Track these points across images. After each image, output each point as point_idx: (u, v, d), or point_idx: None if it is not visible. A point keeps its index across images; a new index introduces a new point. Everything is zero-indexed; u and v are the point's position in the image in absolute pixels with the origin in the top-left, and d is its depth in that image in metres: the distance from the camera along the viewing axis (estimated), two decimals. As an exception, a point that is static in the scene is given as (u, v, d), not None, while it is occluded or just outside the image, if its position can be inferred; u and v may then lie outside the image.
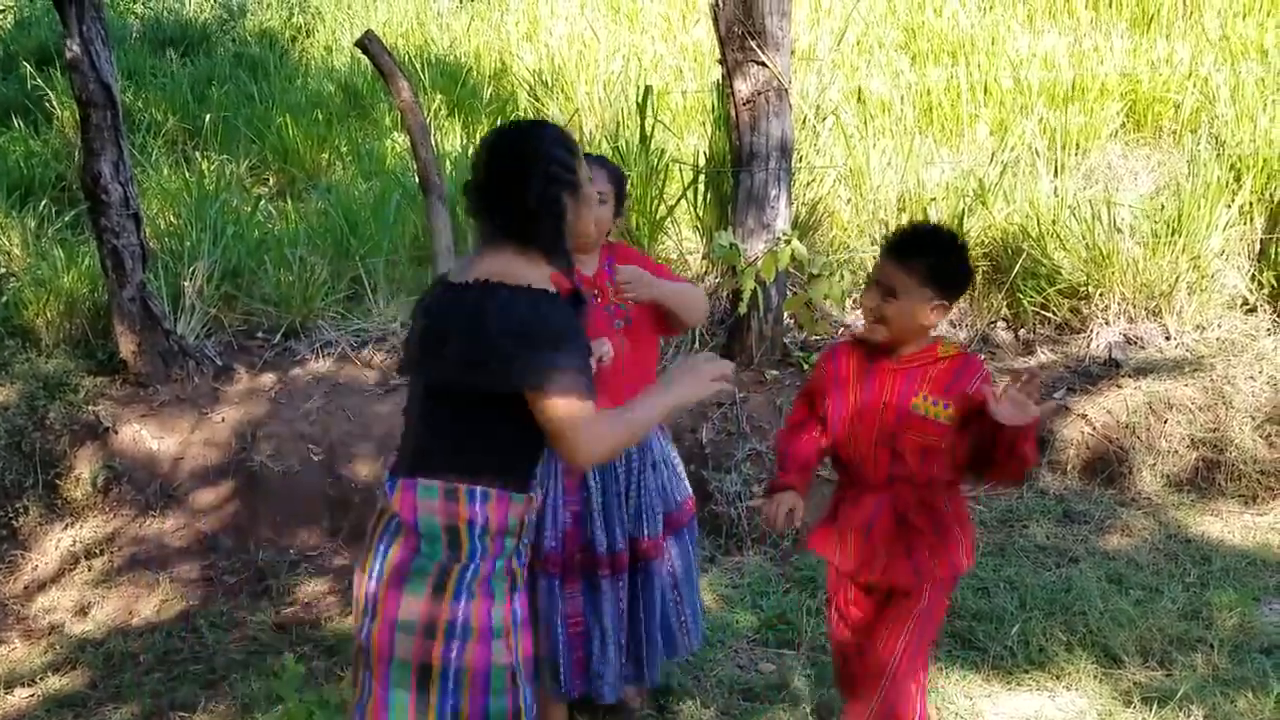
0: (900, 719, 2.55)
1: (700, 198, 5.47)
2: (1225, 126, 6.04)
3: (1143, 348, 5.18)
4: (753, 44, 4.75)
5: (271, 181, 6.99)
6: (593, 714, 3.14)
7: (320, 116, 7.43)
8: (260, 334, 5.13)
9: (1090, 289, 5.33)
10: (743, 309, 4.89)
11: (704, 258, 5.35)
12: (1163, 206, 5.57)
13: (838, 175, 6.00)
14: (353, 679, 2.20)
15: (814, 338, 5.29)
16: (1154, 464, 4.75)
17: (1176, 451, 4.76)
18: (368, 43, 4.69)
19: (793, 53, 5.08)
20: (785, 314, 5.18)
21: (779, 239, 4.90)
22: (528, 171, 2.07)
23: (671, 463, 2.99)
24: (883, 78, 6.83)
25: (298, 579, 4.21)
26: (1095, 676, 3.35)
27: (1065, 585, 3.89)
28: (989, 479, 2.56)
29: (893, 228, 5.72)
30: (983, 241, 5.60)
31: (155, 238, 5.42)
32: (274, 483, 4.43)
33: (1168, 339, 5.22)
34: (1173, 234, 5.30)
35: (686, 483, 3.05)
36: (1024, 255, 5.39)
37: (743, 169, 4.92)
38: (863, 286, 2.54)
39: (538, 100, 7.51)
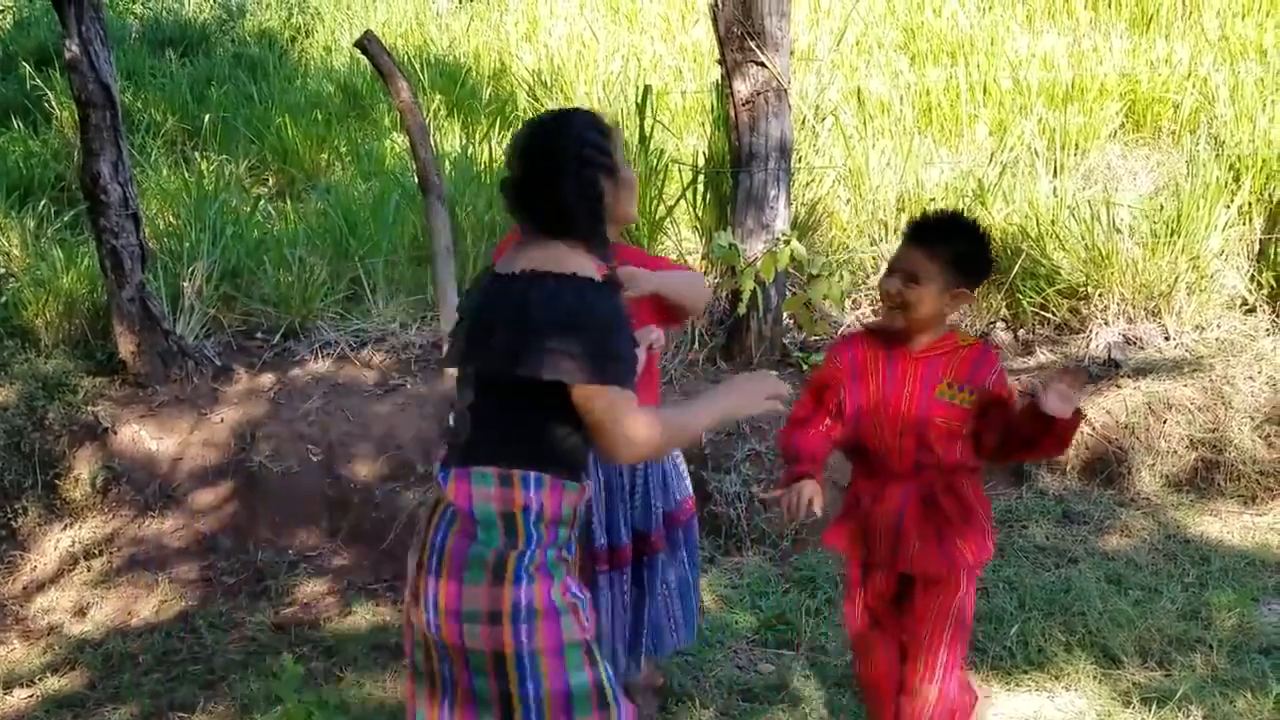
0: (962, 710, 2.58)
1: (699, 198, 5.47)
2: (1224, 127, 6.05)
3: (1142, 348, 5.19)
4: (752, 44, 4.75)
5: (271, 182, 6.99)
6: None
7: (319, 117, 7.43)
8: (259, 334, 5.12)
9: (1089, 289, 5.33)
10: (742, 309, 4.89)
11: (703, 258, 5.35)
12: (1162, 207, 5.57)
13: (837, 176, 6.00)
14: (423, 674, 2.15)
15: (813, 338, 5.29)
16: (1153, 464, 4.75)
17: (1176, 452, 4.76)
18: (367, 43, 4.69)
19: (792, 53, 5.08)
20: (784, 314, 5.18)
21: (778, 239, 4.90)
22: (562, 161, 2.06)
23: (674, 458, 3.00)
24: (882, 78, 6.83)
25: (297, 579, 4.20)
26: (1094, 677, 3.35)
27: (1064, 586, 3.89)
28: (1021, 459, 2.59)
29: (892, 228, 5.74)
30: (982, 242, 5.59)
31: (154, 238, 5.42)
32: (273, 483, 4.43)
33: (1167, 339, 5.22)
34: (1172, 234, 5.30)
35: (688, 481, 3.05)
36: (1023, 255, 5.39)
37: (742, 169, 4.92)
38: (881, 273, 2.53)
39: (537, 100, 7.51)
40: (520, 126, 2.18)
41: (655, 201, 5.40)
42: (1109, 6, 7.72)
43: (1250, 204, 5.54)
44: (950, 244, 2.43)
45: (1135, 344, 5.22)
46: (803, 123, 6.00)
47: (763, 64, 4.76)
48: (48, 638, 3.94)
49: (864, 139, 6.18)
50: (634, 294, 2.77)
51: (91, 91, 4.39)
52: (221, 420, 4.57)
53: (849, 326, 5.41)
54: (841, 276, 5.05)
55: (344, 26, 9.64)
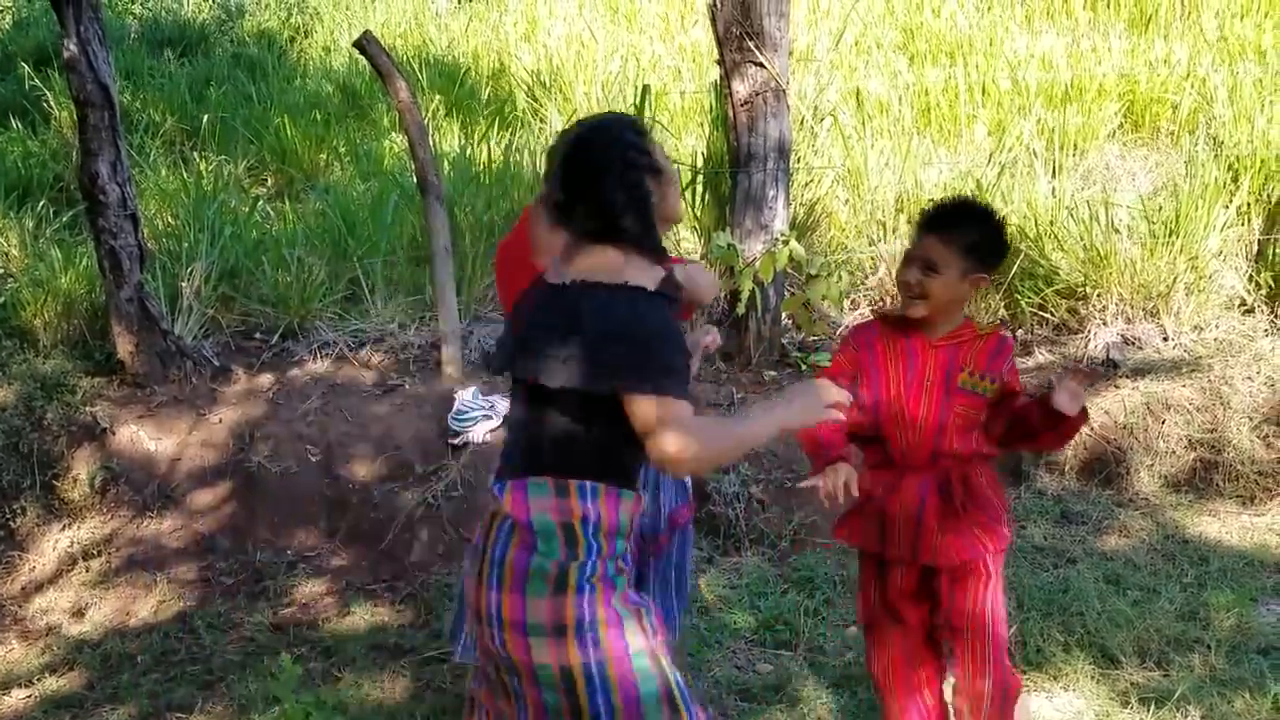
0: (1014, 691, 2.59)
1: (698, 198, 5.47)
2: (1223, 127, 6.05)
3: (1140, 348, 5.19)
4: (750, 45, 4.75)
5: (269, 182, 6.99)
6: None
7: (318, 117, 7.43)
8: (258, 335, 5.12)
9: (1088, 289, 5.33)
10: (740, 310, 4.89)
11: (702, 258, 5.35)
12: (1160, 207, 5.57)
13: (835, 176, 6.00)
14: (486, 693, 2.14)
15: (812, 338, 5.29)
16: (1151, 464, 4.75)
17: (1174, 452, 4.76)
18: (365, 43, 4.70)
19: (791, 53, 5.09)
20: (783, 314, 5.18)
21: (777, 240, 4.90)
22: (605, 166, 2.05)
23: None
24: (881, 78, 6.83)
25: (295, 580, 4.20)
26: (1093, 677, 3.35)
27: (1063, 586, 3.89)
28: (1026, 449, 2.61)
29: (891, 228, 5.74)
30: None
31: (153, 238, 5.41)
32: (271, 483, 4.43)
33: (1165, 339, 5.22)
34: (1170, 234, 5.30)
35: (689, 484, 3.05)
36: (1021, 256, 5.39)
37: (740, 170, 4.92)
38: (899, 264, 2.53)
39: (535, 101, 7.51)
40: (555, 140, 2.17)
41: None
42: (1108, 7, 7.73)
43: (1249, 204, 5.54)
44: (966, 230, 2.44)
45: (1134, 344, 5.22)
46: (801, 123, 6.00)
47: (761, 64, 4.76)
48: (46, 638, 3.93)
49: (862, 139, 6.18)
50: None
51: (90, 91, 4.39)
52: (220, 420, 4.57)
53: (848, 327, 5.41)
54: (840, 277, 5.05)
55: (343, 27, 9.64)
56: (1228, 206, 5.43)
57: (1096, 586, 3.87)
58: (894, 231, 5.74)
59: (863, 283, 5.69)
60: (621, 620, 2.02)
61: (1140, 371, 5.01)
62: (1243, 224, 5.54)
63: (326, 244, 5.55)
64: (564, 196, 2.09)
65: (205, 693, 3.50)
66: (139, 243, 4.58)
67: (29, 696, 3.57)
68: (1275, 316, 5.33)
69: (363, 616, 3.97)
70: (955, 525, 2.51)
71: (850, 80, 6.83)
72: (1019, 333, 5.46)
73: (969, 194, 5.48)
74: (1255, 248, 5.52)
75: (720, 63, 4.92)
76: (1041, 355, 5.26)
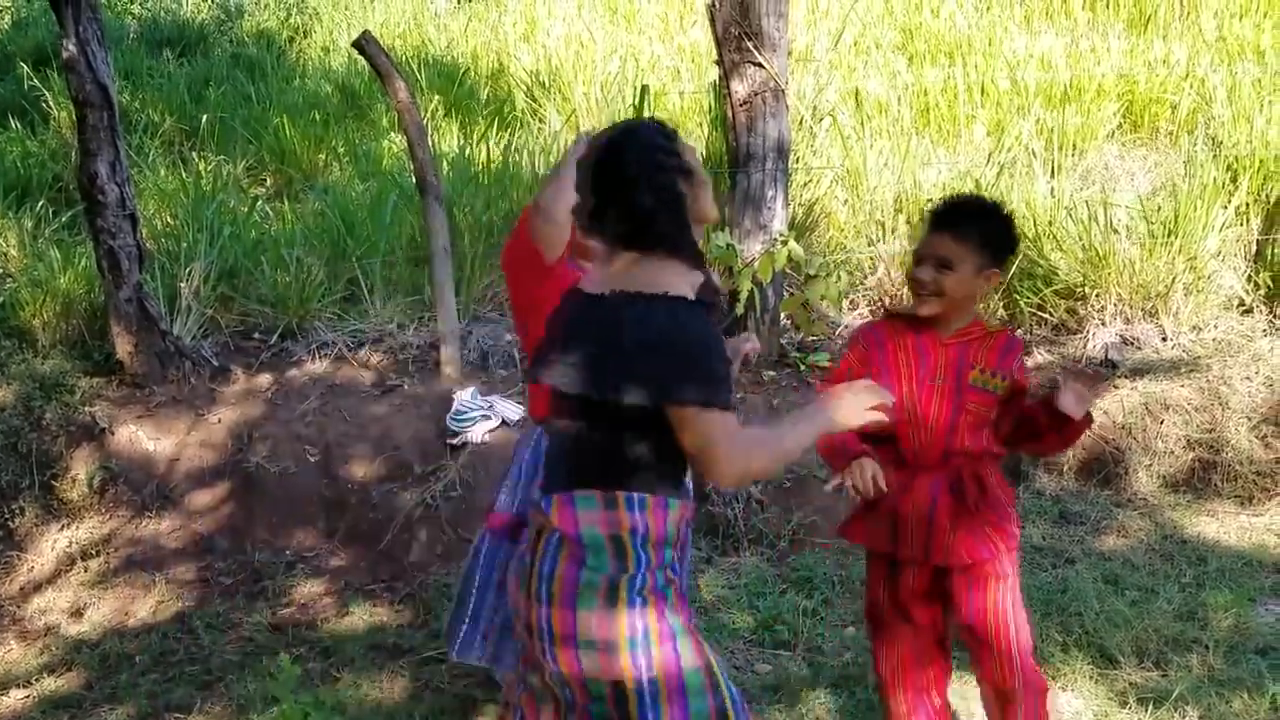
0: (1043, 691, 2.59)
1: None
2: (1222, 127, 6.06)
3: (1139, 348, 5.19)
4: (749, 45, 4.75)
5: (268, 182, 6.98)
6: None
7: (317, 117, 7.43)
8: (257, 335, 5.12)
9: (1087, 290, 5.34)
10: (739, 310, 4.89)
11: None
12: (1159, 207, 5.58)
13: (835, 176, 6.00)
14: (529, 698, 2.12)
15: (810, 338, 5.29)
16: (1150, 465, 4.76)
17: (1172, 452, 4.76)
18: (364, 43, 4.70)
19: (790, 54, 5.09)
20: (782, 315, 5.18)
21: (776, 240, 4.90)
22: (636, 172, 2.02)
23: None
24: (880, 78, 6.83)
25: (294, 580, 4.20)
26: (1091, 677, 3.36)
27: (1061, 586, 3.89)
28: (1027, 452, 2.61)
29: (890, 228, 5.74)
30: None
31: (152, 238, 5.41)
32: (270, 484, 4.43)
33: (1164, 340, 5.22)
34: (1169, 235, 5.31)
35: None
36: (1020, 256, 5.39)
37: (739, 170, 4.92)
38: (911, 263, 2.52)
39: (534, 101, 7.51)
40: (588, 153, 2.12)
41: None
42: (1107, 7, 7.73)
43: (1247, 204, 5.55)
44: (979, 226, 2.44)
45: (1132, 344, 5.22)
46: (800, 123, 6.01)
47: (760, 65, 4.76)
48: (44, 638, 3.93)
49: (861, 139, 6.18)
50: None
51: (89, 92, 4.39)
52: (219, 421, 4.57)
53: (847, 327, 5.42)
54: (839, 277, 5.05)
55: (342, 27, 9.65)
56: (1226, 207, 5.43)
57: (1095, 587, 3.87)
58: (893, 232, 5.74)
59: (861, 283, 5.69)
60: (675, 635, 2.00)
61: (1139, 372, 5.01)
62: (1241, 224, 5.55)
63: (325, 244, 5.55)
64: (596, 204, 2.07)
65: (204, 693, 3.50)
66: (138, 243, 4.58)
67: (27, 697, 3.57)
68: (1274, 317, 5.33)
69: (361, 617, 3.97)
70: (967, 524, 2.50)
71: (849, 80, 6.83)
72: (1018, 333, 5.46)
73: (980, 191, 5.51)
74: (1254, 248, 5.52)
75: (719, 63, 4.92)
76: (1040, 355, 5.26)
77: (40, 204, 6.13)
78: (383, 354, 5.01)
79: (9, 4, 10.80)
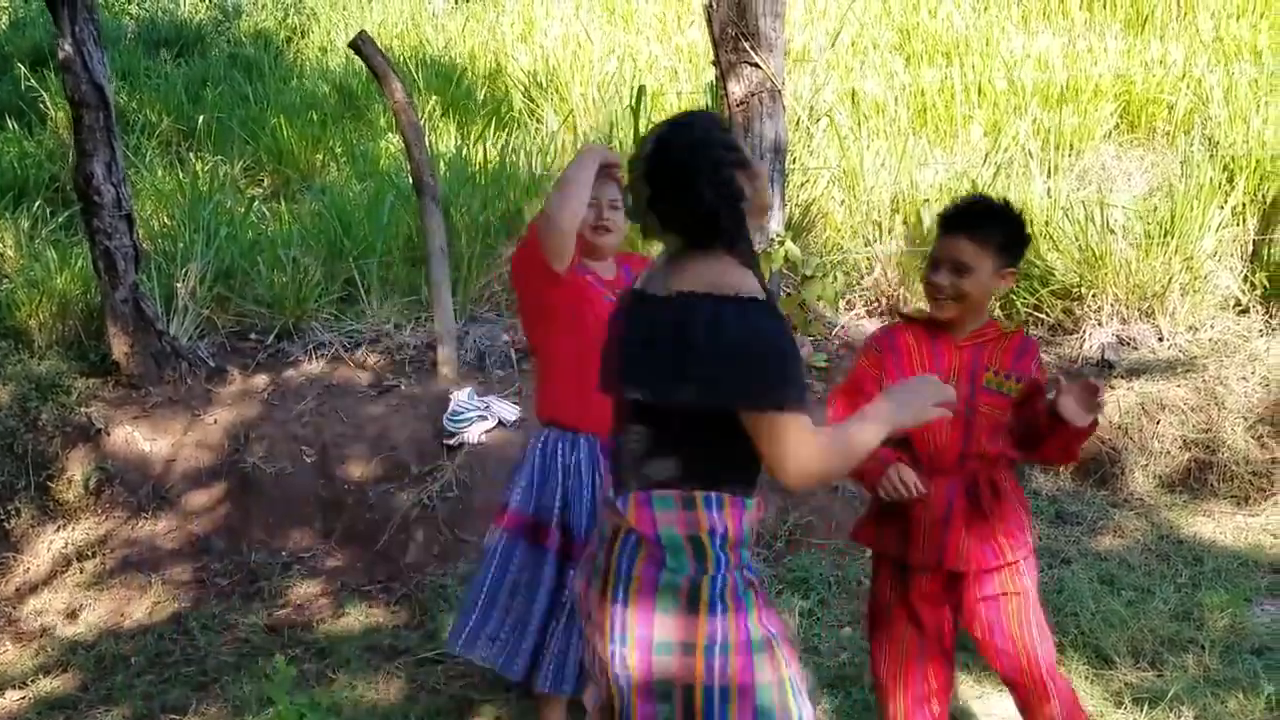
0: (1073, 699, 2.57)
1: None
2: (1218, 127, 6.06)
3: (1135, 349, 5.19)
4: (746, 45, 4.75)
5: (266, 182, 6.98)
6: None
7: (315, 117, 7.43)
8: (253, 335, 5.12)
9: (1083, 290, 5.34)
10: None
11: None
12: (1156, 207, 5.58)
13: (831, 176, 6.00)
14: (599, 711, 2.09)
15: (808, 339, 5.29)
16: (1146, 465, 4.76)
17: (1169, 452, 4.77)
18: (361, 43, 4.70)
19: (787, 54, 5.09)
20: (779, 315, 5.17)
21: (773, 240, 4.90)
22: (696, 166, 1.95)
23: None
24: (877, 79, 6.84)
25: (290, 581, 4.20)
26: (1087, 677, 3.36)
27: (1057, 586, 3.89)
28: (1032, 459, 2.57)
29: (886, 229, 5.74)
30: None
31: (149, 239, 5.42)
32: (266, 484, 4.42)
33: (1160, 340, 5.22)
34: (1165, 235, 5.31)
35: None
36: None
37: (736, 170, 4.91)
38: (927, 268, 2.49)
39: (532, 101, 7.51)
40: (640, 143, 2.05)
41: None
42: (1104, 7, 7.74)
43: (1244, 205, 5.55)
44: (992, 226, 2.43)
45: (1129, 344, 5.22)
46: (797, 124, 6.01)
47: (757, 65, 4.76)
48: (40, 639, 3.93)
49: (858, 140, 6.18)
50: None
51: (85, 92, 4.39)
52: (215, 421, 4.57)
53: (843, 328, 5.42)
54: (836, 277, 5.05)
55: (340, 27, 9.64)
56: (1223, 207, 5.44)
57: (1091, 587, 3.88)
58: (889, 232, 5.74)
59: (858, 283, 5.69)
60: (751, 646, 1.96)
61: (1135, 372, 5.02)
62: (1238, 224, 5.55)
63: (322, 244, 5.54)
64: (651, 200, 1.99)
65: (199, 694, 3.50)
66: (134, 243, 4.58)
67: (23, 698, 3.57)
68: (1270, 317, 5.33)
69: (357, 618, 3.96)
70: (981, 530, 2.48)
71: (846, 81, 6.84)
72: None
73: (977, 191, 5.50)
74: (1250, 248, 5.52)
75: (716, 63, 4.92)
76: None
77: (37, 204, 6.13)
78: (379, 354, 5.01)
79: (6, 4, 10.80)
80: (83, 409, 4.51)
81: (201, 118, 7.31)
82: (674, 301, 1.95)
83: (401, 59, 8.16)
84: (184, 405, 4.62)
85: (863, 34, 7.63)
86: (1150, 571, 4.05)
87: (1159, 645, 3.51)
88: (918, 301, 5.53)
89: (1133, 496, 4.68)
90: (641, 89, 5.73)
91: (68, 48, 4.34)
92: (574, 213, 2.75)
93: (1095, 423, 2.38)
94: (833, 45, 7.28)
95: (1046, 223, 5.49)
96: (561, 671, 2.86)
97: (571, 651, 2.86)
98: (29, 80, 7.79)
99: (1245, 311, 5.38)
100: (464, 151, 6.51)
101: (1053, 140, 6.16)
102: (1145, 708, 3.17)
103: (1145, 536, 4.34)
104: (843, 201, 5.97)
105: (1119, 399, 4.87)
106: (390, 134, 7.21)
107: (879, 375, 2.52)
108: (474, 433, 4.47)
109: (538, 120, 7.27)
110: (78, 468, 4.41)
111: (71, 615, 4.07)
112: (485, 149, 6.35)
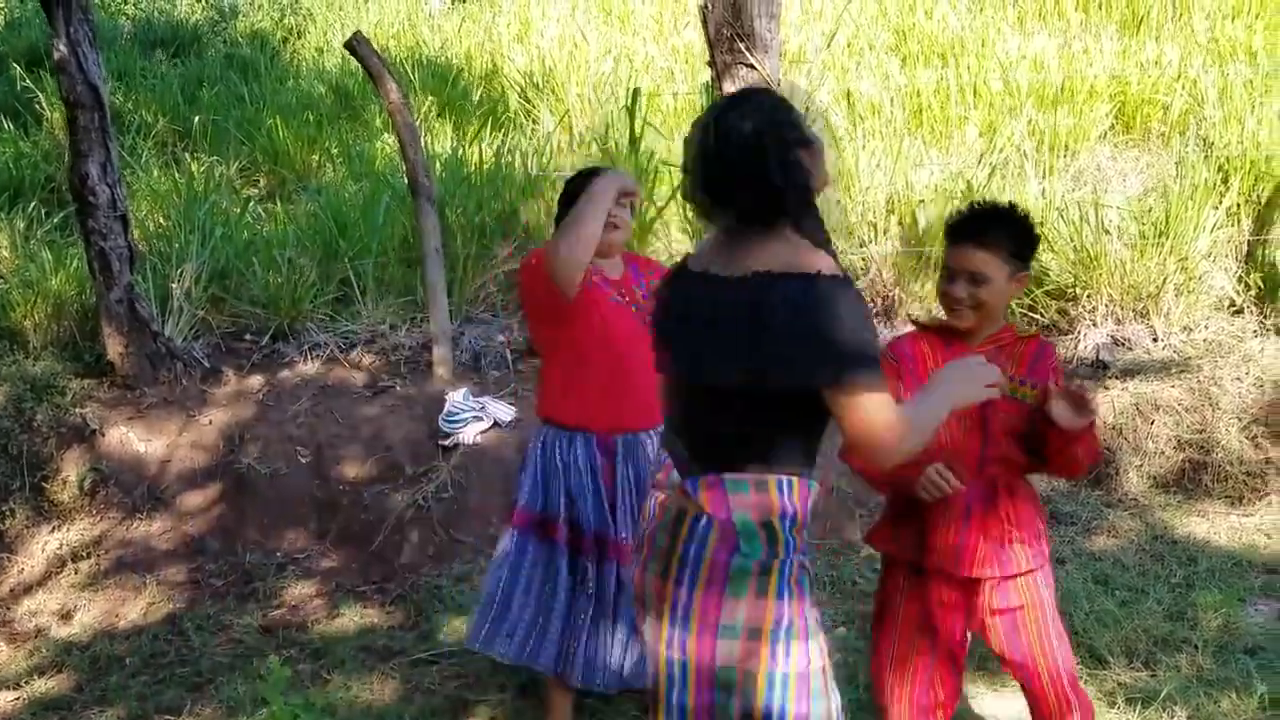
0: (1092, 712, 2.57)
1: (690, 199, 5.46)
2: (1213, 128, 6.07)
3: (1130, 349, 5.20)
4: (741, 46, 4.76)
5: (261, 183, 6.98)
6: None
7: (311, 118, 7.43)
8: (248, 336, 5.12)
9: (1078, 290, 5.35)
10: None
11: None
12: (1150, 208, 5.59)
13: (827, 177, 6.00)
14: (653, 697, 2.07)
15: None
16: (1140, 465, 4.77)
17: (1163, 452, 4.77)
18: (356, 44, 4.70)
19: (782, 55, 5.09)
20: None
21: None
22: (761, 145, 1.91)
23: None
24: (872, 80, 6.84)
25: (285, 581, 4.20)
26: (1080, 677, 3.35)
27: (1051, 586, 3.89)
28: (1041, 470, 2.56)
29: (881, 229, 5.74)
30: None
31: (144, 239, 5.41)
32: (261, 485, 4.42)
33: (1155, 340, 5.23)
34: (1160, 236, 5.32)
35: None
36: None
37: (731, 171, 4.92)
38: (941, 279, 2.47)
39: (528, 102, 7.51)
40: (697, 123, 2.00)
41: (646, 203, 5.41)
42: (1099, 8, 7.75)
43: (1239, 205, 5.56)
44: (1003, 232, 2.41)
45: (1123, 345, 5.23)
46: (793, 124, 5.99)
47: (752, 66, 4.76)
48: (34, 640, 3.93)
49: (854, 141, 6.19)
50: None
51: (80, 92, 4.38)
52: (210, 422, 4.56)
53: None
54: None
55: (336, 28, 9.65)
56: (1217, 208, 5.45)
57: (1085, 587, 3.88)
58: (885, 233, 5.74)
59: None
60: (809, 634, 1.97)
61: (1129, 372, 5.03)
62: (1232, 225, 5.56)
63: (317, 245, 5.54)
64: (711, 180, 1.95)
65: (194, 695, 3.50)
66: (129, 244, 4.58)
67: (17, 699, 3.57)
68: (1264, 317, 5.34)
69: (352, 618, 3.96)
70: (998, 537, 2.46)
71: (842, 82, 6.84)
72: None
73: (973, 193, 5.50)
74: (1245, 249, 5.53)
75: (711, 64, 4.93)
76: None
77: (32, 205, 6.12)
78: (375, 355, 5.01)
79: (2, 4, 10.79)
80: (77, 410, 4.50)
81: (197, 118, 7.30)
82: (749, 282, 1.91)
83: (398, 59, 8.16)
84: (179, 406, 4.62)
85: (858, 35, 7.64)
86: (1144, 571, 4.05)
87: (1152, 645, 3.52)
88: (912, 302, 5.54)
89: (1127, 496, 4.69)
90: (637, 90, 5.74)
91: (63, 48, 4.34)
92: (587, 251, 2.71)
93: (1093, 426, 2.37)
94: (828, 46, 7.28)
95: (1041, 223, 5.48)
96: (593, 666, 2.87)
97: (602, 650, 2.86)
98: (24, 81, 7.79)
99: (1240, 312, 5.39)
100: (460, 152, 6.51)
101: (1048, 141, 6.17)
102: (1139, 707, 3.18)
103: (1139, 536, 4.35)
104: (838, 202, 5.97)
105: (1113, 399, 4.88)
106: (386, 135, 7.21)
107: (896, 385, 2.48)
108: (469, 433, 4.47)
109: (534, 121, 7.28)
110: (72, 468, 4.41)
111: (66, 616, 4.06)
112: (481, 150, 6.36)
